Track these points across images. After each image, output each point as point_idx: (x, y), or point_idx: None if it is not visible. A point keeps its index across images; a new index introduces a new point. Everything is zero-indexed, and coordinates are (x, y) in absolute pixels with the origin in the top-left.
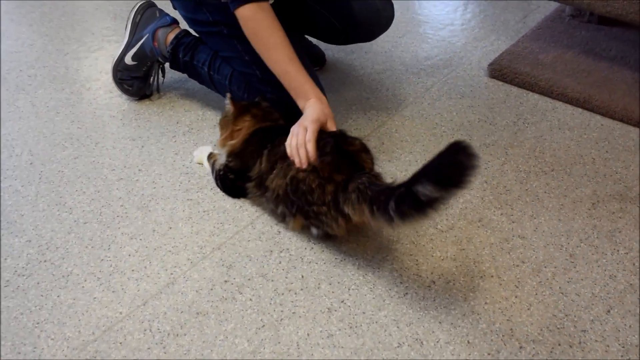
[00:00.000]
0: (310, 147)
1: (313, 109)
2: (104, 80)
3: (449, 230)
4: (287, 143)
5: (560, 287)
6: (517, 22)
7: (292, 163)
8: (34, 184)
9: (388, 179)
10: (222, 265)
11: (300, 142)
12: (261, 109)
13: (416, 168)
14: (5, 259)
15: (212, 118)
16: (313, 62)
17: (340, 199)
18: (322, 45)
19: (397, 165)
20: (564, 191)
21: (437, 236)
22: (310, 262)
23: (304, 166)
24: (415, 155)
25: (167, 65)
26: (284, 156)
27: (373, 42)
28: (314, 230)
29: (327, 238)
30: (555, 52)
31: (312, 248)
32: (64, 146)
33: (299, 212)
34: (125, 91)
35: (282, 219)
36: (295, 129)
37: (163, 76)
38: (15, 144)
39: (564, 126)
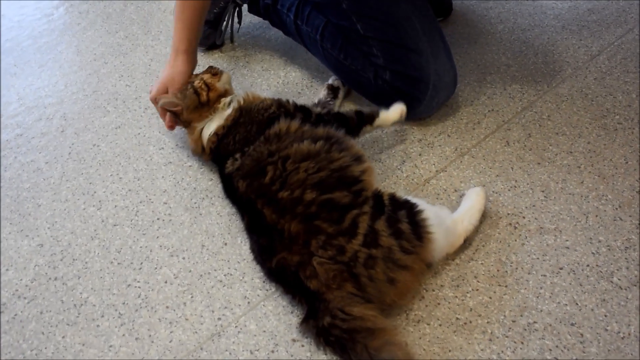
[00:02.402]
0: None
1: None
2: (168, 22)
3: None
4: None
5: None
6: None
7: None
8: (60, 160)
9: (538, 193)
10: (290, 312)
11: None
12: None
13: (579, 177)
14: (7, 269)
15: (298, 82)
16: (436, 11)
17: None
18: None
19: (551, 171)
20: None
21: None
22: None
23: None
24: (576, 158)
25: (244, 8)
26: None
27: None
28: None
29: None
30: None
31: None
32: (106, 110)
33: None
34: None
35: None
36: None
37: (239, 22)
38: (48, 103)
39: None
